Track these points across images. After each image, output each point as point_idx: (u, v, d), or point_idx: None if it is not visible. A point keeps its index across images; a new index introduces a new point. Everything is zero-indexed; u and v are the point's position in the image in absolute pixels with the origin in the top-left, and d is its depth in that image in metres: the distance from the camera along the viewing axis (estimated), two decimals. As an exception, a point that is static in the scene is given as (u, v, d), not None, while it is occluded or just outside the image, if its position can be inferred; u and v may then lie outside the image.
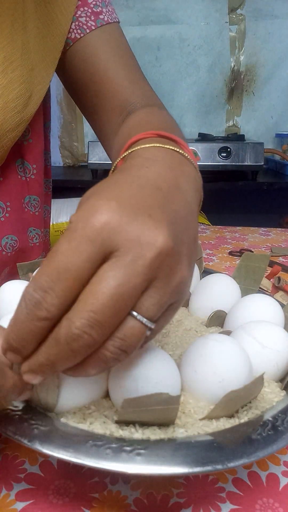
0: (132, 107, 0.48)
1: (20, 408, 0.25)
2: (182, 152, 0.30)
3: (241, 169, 1.44)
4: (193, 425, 0.25)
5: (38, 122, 0.53)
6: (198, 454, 0.22)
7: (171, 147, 0.29)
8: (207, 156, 1.42)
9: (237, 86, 1.72)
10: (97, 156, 1.44)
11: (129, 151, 0.30)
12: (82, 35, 0.49)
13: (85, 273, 0.20)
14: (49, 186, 0.64)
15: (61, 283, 0.20)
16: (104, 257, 0.20)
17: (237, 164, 1.42)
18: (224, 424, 0.25)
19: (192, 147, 1.42)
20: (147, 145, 0.29)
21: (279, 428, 0.24)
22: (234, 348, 0.27)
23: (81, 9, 0.49)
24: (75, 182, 1.60)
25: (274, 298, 0.38)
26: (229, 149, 1.41)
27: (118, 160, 0.32)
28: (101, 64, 0.49)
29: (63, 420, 0.25)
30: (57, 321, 0.20)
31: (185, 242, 0.22)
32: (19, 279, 0.41)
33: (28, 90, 0.45)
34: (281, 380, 0.30)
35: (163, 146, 0.29)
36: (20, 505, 0.26)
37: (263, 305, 0.36)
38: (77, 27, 0.49)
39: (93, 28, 0.49)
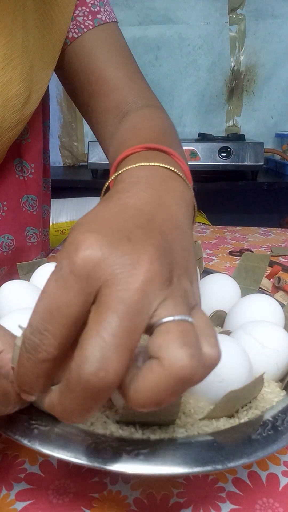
0: (128, 108, 0.48)
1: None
2: (168, 167, 0.30)
3: (241, 169, 1.44)
4: (193, 425, 0.25)
5: (37, 121, 0.53)
6: (198, 454, 0.22)
7: (156, 164, 0.29)
8: (207, 156, 1.42)
9: (237, 86, 1.73)
10: (97, 156, 1.44)
11: (117, 172, 0.30)
12: (79, 34, 0.49)
13: (78, 309, 0.19)
14: (48, 185, 0.64)
15: (55, 323, 0.19)
16: (95, 291, 0.19)
17: (237, 164, 1.42)
18: (224, 424, 0.25)
19: (192, 147, 1.42)
20: (132, 166, 0.29)
21: (279, 428, 0.24)
22: (234, 348, 0.27)
23: (79, 8, 0.49)
24: (75, 182, 1.60)
25: (274, 298, 0.38)
26: (229, 149, 1.41)
27: (109, 181, 0.32)
28: (97, 64, 0.49)
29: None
30: (60, 359, 0.20)
31: (175, 252, 0.22)
32: (19, 279, 0.41)
33: (28, 88, 0.45)
34: (281, 380, 0.30)
35: (148, 164, 0.29)
36: (20, 505, 0.26)
37: (263, 305, 0.36)
38: (75, 27, 0.49)
39: (91, 27, 0.49)
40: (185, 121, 1.78)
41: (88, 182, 1.57)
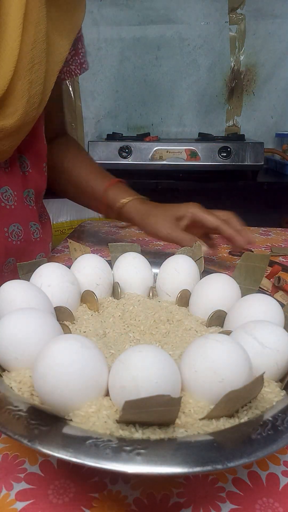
0: (61, 130, 0.75)
1: (21, 408, 0.25)
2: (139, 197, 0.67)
3: (241, 169, 1.44)
4: (193, 425, 0.25)
5: (40, 120, 0.58)
6: (198, 454, 0.22)
7: (137, 197, 0.67)
8: (207, 156, 1.42)
9: (237, 86, 1.72)
10: (97, 156, 1.44)
11: (122, 203, 0.66)
12: (69, 78, 0.65)
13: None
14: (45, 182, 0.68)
15: None
16: None
17: (237, 164, 1.42)
18: (224, 424, 0.25)
19: (192, 147, 1.42)
20: (130, 199, 0.66)
21: (279, 428, 0.24)
22: (234, 348, 0.27)
23: (74, 57, 0.64)
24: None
25: (274, 298, 0.38)
26: (229, 149, 1.41)
27: (121, 202, 0.67)
28: (55, 99, 0.64)
29: (64, 419, 0.25)
30: None
31: None
32: (19, 278, 0.41)
33: (45, 89, 0.53)
34: (281, 380, 0.30)
35: (135, 197, 0.67)
36: (20, 505, 0.26)
37: (263, 305, 0.36)
38: (67, 72, 0.64)
39: (78, 75, 0.66)
40: (185, 121, 1.78)
41: (88, 182, 1.57)
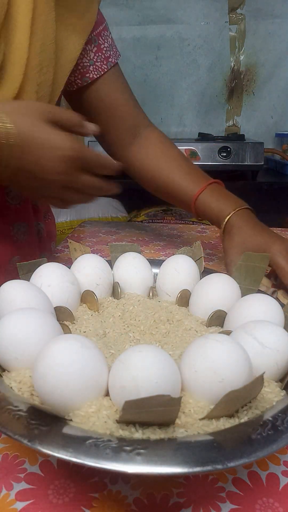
0: (138, 128, 0.69)
1: (21, 408, 0.25)
2: (245, 207, 0.63)
3: (241, 169, 1.44)
4: (193, 425, 0.25)
5: None
6: (198, 454, 0.22)
7: (241, 207, 0.62)
8: (207, 156, 1.42)
9: (237, 86, 1.72)
10: (97, 156, 1.44)
11: (225, 221, 0.59)
12: (98, 75, 0.64)
13: None
14: None
15: None
16: None
17: (237, 164, 1.42)
18: (224, 424, 0.25)
19: (192, 147, 1.42)
20: (232, 212, 0.60)
21: (279, 427, 0.24)
22: (234, 348, 0.27)
23: (97, 54, 0.63)
24: (75, 182, 1.59)
25: (274, 298, 0.38)
26: (229, 149, 1.41)
27: (223, 225, 0.60)
28: (113, 97, 0.66)
29: (64, 419, 0.25)
30: None
31: None
32: (19, 278, 0.41)
33: (53, 90, 0.54)
34: (281, 380, 0.30)
35: (239, 208, 0.62)
36: (20, 505, 0.26)
37: (263, 305, 0.36)
38: (94, 69, 0.63)
39: (106, 69, 0.64)
40: (185, 121, 1.78)
41: (88, 182, 1.57)
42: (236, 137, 1.53)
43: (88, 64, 0.63)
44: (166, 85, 1.74)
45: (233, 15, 1.65)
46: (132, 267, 0.45)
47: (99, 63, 0.63)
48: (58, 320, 0.34)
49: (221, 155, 1.41)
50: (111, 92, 0.66)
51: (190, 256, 0.46)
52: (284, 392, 0.28)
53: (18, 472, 0.28)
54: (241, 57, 1.69)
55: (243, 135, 1.57)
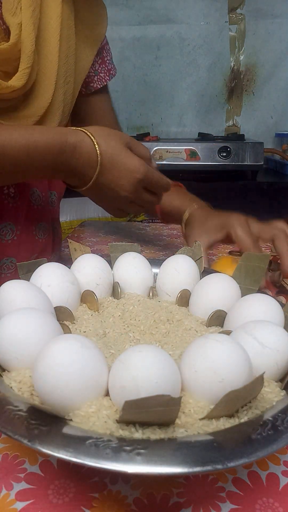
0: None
1: (21, 408, 0.25)
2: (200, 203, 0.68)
3: (241, 169, 1.44)
4: (193, 425, 0.25)
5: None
6: (198, 454, 0.22)
7: (197, 205, 0.67)
8: (207, 156, 1.42)
9: (237, 85, 1.72)
10: (97, 156, 1.44)
11: (186, 216, 0.65)
12: (101, 85, 0.68)
13: None
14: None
15: None
16: None
17: (237, 164, 1.42)
18: (224, 424, 0.25)
19: (192, 146, 1.42)
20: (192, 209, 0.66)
21: (279, 427, 0.24)
22: (234, 348, 0.27)
23: (102, 65, 0.68)
24: (75, 182, 1.59)
25: (274, 298, 0.38)
26: (229, 149, 1.41)
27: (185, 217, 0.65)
28: (104, 109, 0.72)
29: (64, 419, 0.25)
30: None
31: None
32: (19, 278, 0.41)
33: (73, 100, 0.59)
34: (281, 380, 0.30)
35: (195, 208, 0.66)
36: (20, 505, 0.26)
37: (263, 305, 0.36)
38: (98, 80, 0.68)
39: (107, 81, 0.70)
40: (185, 121, 1.78)
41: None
42: (236, 137, 1.53)
43: (93, 74, 0.67)
44: (166, 85, 1.74)
45: (233, 15, 1.65)
46: (132, 267, 0.45)
47: (103, 74, 0.68)
48: (58, 320, 0.34)
49: (221, 155, 1.41)
50: (104, 104, 0.71)
51: (190, 256, 0.46)
52: (284, 392, 0.28)
53: (18, 472, 0.28)
54: (241, 57, 1.69)
55: (243, 135, 1.58)
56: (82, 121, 0.68)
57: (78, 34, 0.57)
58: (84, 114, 0.70)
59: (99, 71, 0.68)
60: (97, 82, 0.68)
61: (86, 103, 0.69)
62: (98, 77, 0.68)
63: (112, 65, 0.70)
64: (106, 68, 0.69)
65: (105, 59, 0.69)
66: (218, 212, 0.62)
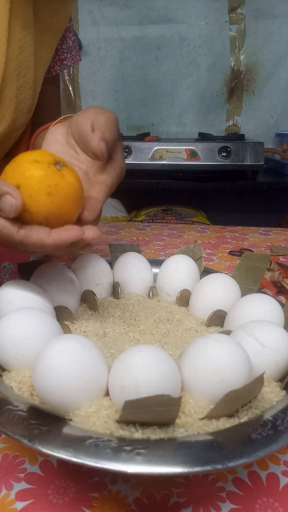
0: None
1: (21, 408, 0.25)
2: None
3: (241, 168, 1.44)
4: (193, 424, 0.25)
5: (27, 131, 0.57)
6: (198, 454, 0.22)
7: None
8: (207, 155, 1.42)
9: (237, 85, 1.72)
10: (97, 155, 1.44)
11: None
12: (48, 75, 0.59)
13: None
14: None
15: None
16: None
17: (237, 163, 1.42)
18: (224, 423, 0.25)
19: (192, 146, 1.42)
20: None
21: (279, 427, 0.24)
22: (234, 347, 0.27)
23: (74, 43, 0.60)
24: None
25: (274, 298, 0.38)
26: (229, 149, 1.41)
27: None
28: (49, 98, 0.61)
29: (64, 419, 0.25)
30: None
31: None
32: (19, 278, 0.41)
33: (35, 92, 0.51)
34: (281, 379, 0.30)
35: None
36: (20, 504, 0.26)
37: (263, 305, 0.36)
38: (71, 57, 0.61)
39: (58, 71, 0.61)
40: (185, 121, 1.78)
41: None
42: (236, 137, 1.53)
43: (66, 51, 0.60)
44: (166, 85, 1.74)
45: (233, 15, 1.65)
46: (132, 267, 0.45)
47: (51, 63, 0.60)
48: (58, 320, 0.34)
49: (221, 155, 1.41)
50: (49, 97, 0.63)
51: (190, 256, 0.46)
52: (284, 392, 0.28)
53: (18, 472, 0.28)
54: (241, 57, 1.69)
55: (243, 135, 1.57)
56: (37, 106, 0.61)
57: (39, 23, 0.50)
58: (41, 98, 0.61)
59: (72, 48, 0.61)
60: (70, 60, 0.62)
61: (48, 86, 0.60)
62: (71, 54, 0.61)
63: (69, 54, 0.62)
64: (58, 58, 0.60)
65: (58, 47, 0.60)
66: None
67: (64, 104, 1.76)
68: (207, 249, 0.74)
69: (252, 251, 0.74)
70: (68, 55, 0.62)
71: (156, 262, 0.48)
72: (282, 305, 0.37)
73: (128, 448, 0.22)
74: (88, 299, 0.41)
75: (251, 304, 0.36)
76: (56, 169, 0.30)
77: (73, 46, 0.62)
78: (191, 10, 1.65)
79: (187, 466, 0.21)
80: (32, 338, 0.29)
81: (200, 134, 1.62)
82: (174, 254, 0.47)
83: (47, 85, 0.60)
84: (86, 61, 1.71)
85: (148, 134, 1.58)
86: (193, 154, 1.42)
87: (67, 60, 0.62)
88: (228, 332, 0.33)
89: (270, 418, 0.25)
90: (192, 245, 0.50)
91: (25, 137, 0.56)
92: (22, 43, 0.48)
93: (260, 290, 0.44)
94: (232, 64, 1.70)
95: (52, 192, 0.29)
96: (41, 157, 0.31)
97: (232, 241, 0.81)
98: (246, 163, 1.42)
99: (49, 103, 0.63)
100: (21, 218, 0.30)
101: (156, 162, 1.41)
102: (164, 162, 1.42)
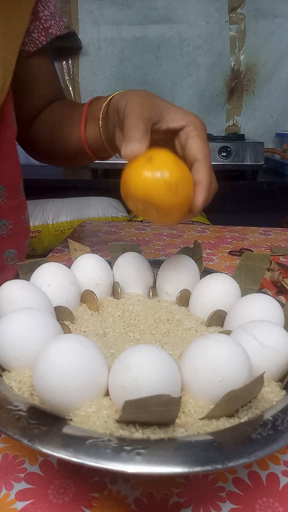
0: (54, 98, 0.64)
1: (21, 408, 0.25)
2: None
3: (241, 168, 1.44)
4: (193, 424, 0.25)
5: (7, 105, 0.53)
6: (198, 454, 0.22)
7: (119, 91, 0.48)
8: (207, 155, 1.42)
9: (237, 85, 1.73)
10: (97, 155, 1.44)
11: (108, 100, 0.48)
12: (35, 49, 0.56)
13: None
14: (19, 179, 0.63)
15: None
16: None
17: (237, 163, 1.42)
18: (224, 423, 0.25)
19: (192, 146, 1.42)
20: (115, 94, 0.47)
21: (279, 427, 0.24)
22: (234, 347, 0.27)
23: (34, 23, 0.55)
24: (75, 181, 1.60)
25: (274, 298, 0.38)
26: (229, 149, 1.41)
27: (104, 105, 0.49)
28: (42, 71, 0.61)
29: (64, 419, 0.25)
30: None
31: None
32: (19, 278, 0.41)
33: (5, 71, 0.49)
34: (281, 379, 0.30)
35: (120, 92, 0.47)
36: (20, 504, 0.26)
37: (263, 305, 0.36)
38: (30, 41, 0.56)
39: (44, 43, 0.56)
40: (185, 121, 1.78)
41: (88, 181, 1.57)
42: (236, 137, 1.53)
43: (50, 17, 0.56)
44: (166, 85, 1.74)
45: (233, 14, 1.65)
46: (132, 267, 0.45)
47: (37, 34, 0.56)
48: (58, 320, 0.34)
49: (221, 155, 1.41)
50: (43, 70, 0.60)
51: (190, 256, 0.46)
52: (284, 392, 0.28)
53: (18, 472, 0.28)
54: (241, 57, 1.69)
55: (243, 135, 1.58)
56: (20, 88, 0.58)
57: None
58: (21, 80, 0.59)
59: (31, 30, 0.55)
60: (29, 45, 0.56)
61: (22, 68, 0.57)
62: (31, 38, 0.55)
63: (53, 21, 0.57)
64: (42, 27, 0.56)
65: (40, 14, 0.55)
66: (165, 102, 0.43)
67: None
68: (207, 249, 0.74)
69: (252, 251, 0.74)
70: (52, 21, 0.57)
71: (156, 262, 0.48)
72: (282, 305, 0.37)
73: (128, 448, 0.22)
74: (88, 299, 0.41)
75: (251, 304, 0.36)
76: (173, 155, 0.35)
77: (55, 12, 0.58)
78: (191, 10, 1.65)
79: (187, 466, 0.21)
80: (32, 338, 0.29)
81: (200, 134, 1.62)
82: (174, 254, 0.47)
83: (35, 58, 0.58)
84: (86, 61, 1.71)
85: (148, 134, 1.58)
86: (193, 154, 1.42)
87: (52, 28, 0.57)
88: (228, 332, 0.33)
89: (270, 418, 0.25)
90: (192, 245, 0.50)
91: (5, 118, 0.53)
92: None
93: (260, 290, 0.44)
94: (232, 64, 1.71)
95: (178, 161, 0.34)
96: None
97: (232, 241, 0.81)
98: (246, 163, 1.42)
99: (43, 77, 0.60)
100: (155, 185, 0.32)
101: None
102: (164, 162, 1.41)
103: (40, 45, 0.56)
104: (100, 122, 0.50)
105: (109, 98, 0.48)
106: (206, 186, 0.37)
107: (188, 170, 0.36)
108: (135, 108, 0.39)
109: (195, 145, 0.39)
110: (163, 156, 0.34)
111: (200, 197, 0.37)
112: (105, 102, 0.49)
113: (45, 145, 0.63)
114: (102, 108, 0.49)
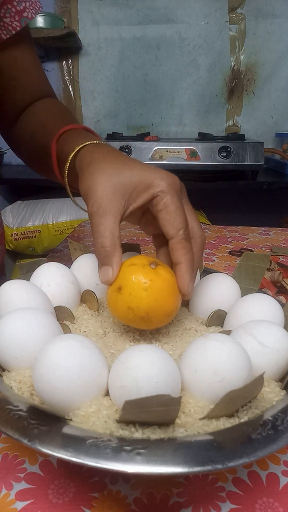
0: (40, 94, 0.58)
1: (20, 408, 0.25)
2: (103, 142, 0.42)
3: (241, 168, 1.44)
4: (193, 424, 0.25)
5: None
6: (198, 454, 0.22)
7: (100, 142, 0.42)
8: (207, 155, 1.42)
9: (237, 85, 1.73)
10: (97, 155, 1.44)
11: (80, 146, 0.41)
12: (8, 36, 0.51)
13: None
14: None
15: None
16: None
17: (237, 163, 1.42)
18: (224, 423, 0.25)
19: (192, 146, 1.42)
20: (88, 143, 0.41)
21: (279, 427, 0.24)
22: (234, 347, 0.27)
23: (5, 7, 0.49)
24: (75, 181, 1.59)
25: (274, 298, 0.38)
26: (229, 149, 1.41)
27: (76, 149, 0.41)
28: (22, 63, 0.55)
29: (64, 419, 0.25)
30: None
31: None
32: (19, 278, 0.41)
33: None
34: (281, 379, 0.30)
35: (98, 142, 0.42)
36: (20, 504, 0.26)
37: (263, 305, 0.36)
38: (3, 28, 0.50)
39: (18, 28, 0.51)
40: (185, 121, 1.78)
41: (88, 181, 1.57)
42: (236, 137, 1.53)
43: (15, 11, 0.51)
44: (166, 85, 1.74)
45: (233, 14, 1.65)
46: (132, 267, 0.45)
47: (9, 19, 0.51)
48: (58, 320, 0.34)
49: (221, 155, 1.41)
50: (23, 58, 0.55)
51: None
52: (284, 392, 0.28)
53: (18, 472, 0.28)
54: (241, 57, 1.69)
55: (243, 135, 1.57)
56: None
57: None
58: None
59: (2, 16, 0.50)
60: (2, 32, 0.50)
61: (9, 53, 0.53)
62: (2, 24, 0.50)
63: (27, 3, 0.52)
64: (14, 10, 0.50)
65: None
66: (130, 159, 0.38)
67: (64, 103, 1.76)
68: (207, 249, 0.74)
69: (252, 251, 0.74)
70: (27, 3, 0.52)
71: (156, 262, 0.48)
72: (282, 305, 0.37)
73: (128, 448, 0.22)
74: (88, 299, 0.41)
75: (251, 304, 0.36)
76: (150, 268, 0.33)
77: None
78: (191, 10, 1.65)
79: (187, 466, 0.21)
80: (32, 338, 0.29)
81: (200, 134, 1.62)
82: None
83: (11, 48, 0.53)
84: (86, 61, 1.71)
85: (148, 134, 1.58)
86: (193, 154, 1.42)
87: (27, 11, 0.52)
88: (228, 332, 0.33)
89: (270, 418, 0.25)
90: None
91: None
92: None
93: (260, 290, 0.44)
94: (232, 64, 1.71)
95: (148, 287, 0.32)
96: (137, 260, 0.34)
97: (232, 241, 0.81)
98: (246, 163, 1.42)
99: (24, 69, 0.55)
100: (126, 316, 0.33)
101: (156, 162, 1.41)
102: (164, 162, 1.42)
103: (13, 32, 0.50)
104: (66, 176, 0.44)
105: (74, 151, 0.41)
106: (188, 266, 0.33)
107: (166, 278, 0.33)
108: (104, 202, 0.34)
109: (164, 220, 0.34)
110: (132, 284, 0.32)
111: (185, 281, 0.33)
112: (71, 154, 0.42)
113: (25, 148, 0.58)
114: (69, 161, 0.42)
